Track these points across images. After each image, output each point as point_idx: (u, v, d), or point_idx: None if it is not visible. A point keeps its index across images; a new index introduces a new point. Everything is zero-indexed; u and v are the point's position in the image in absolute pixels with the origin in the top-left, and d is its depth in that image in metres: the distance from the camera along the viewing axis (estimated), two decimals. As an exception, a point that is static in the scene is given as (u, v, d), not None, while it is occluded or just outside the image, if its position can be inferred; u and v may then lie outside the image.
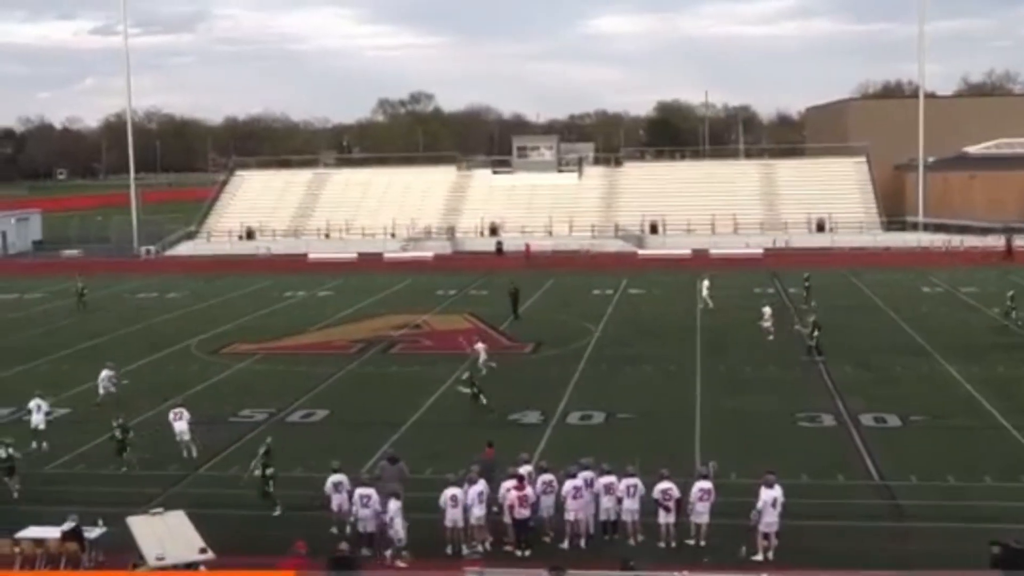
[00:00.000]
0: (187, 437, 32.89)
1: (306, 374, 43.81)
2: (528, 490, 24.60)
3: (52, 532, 24.30)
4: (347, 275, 78.85)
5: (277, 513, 26.77)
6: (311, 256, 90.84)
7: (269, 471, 27.28)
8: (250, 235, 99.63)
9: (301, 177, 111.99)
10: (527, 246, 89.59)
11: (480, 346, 42.07)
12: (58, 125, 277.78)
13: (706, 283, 59.58)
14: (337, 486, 25.30)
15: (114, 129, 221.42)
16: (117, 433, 30.98)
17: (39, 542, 24.10)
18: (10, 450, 29.71)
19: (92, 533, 24.33)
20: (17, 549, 24.02)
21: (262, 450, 27.96)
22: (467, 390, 37.78)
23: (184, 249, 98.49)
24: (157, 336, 53.55)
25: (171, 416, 33.44)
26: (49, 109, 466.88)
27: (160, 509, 24.15)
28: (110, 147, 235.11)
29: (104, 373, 39.69)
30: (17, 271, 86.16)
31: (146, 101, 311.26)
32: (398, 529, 23.74)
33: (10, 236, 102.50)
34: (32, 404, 34.68)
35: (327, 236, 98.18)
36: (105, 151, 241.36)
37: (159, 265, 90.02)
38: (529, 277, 70.77)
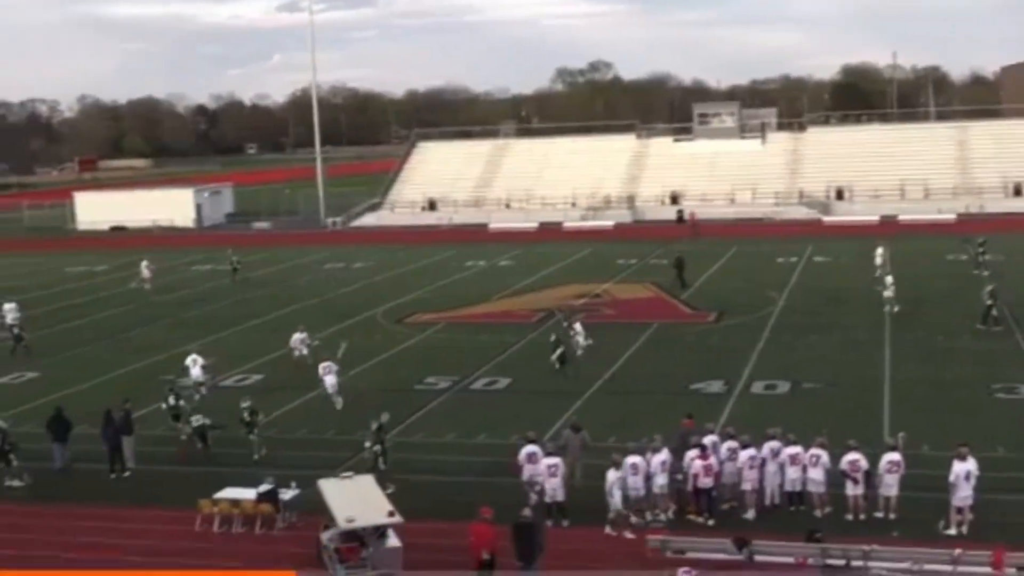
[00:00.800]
0: (335, 390, 34.64)
1: (489, 343, 44.33)
2: (712, 460, 24.47)
3: (248, 493, 25.31)
4: (528, 245, 79.36)
5: (390, 491, 26.84)
6: (492, 226, 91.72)
7: (383, 445, 27.72)
8: (432, 206, 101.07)
9: (482, 148, 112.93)
10: (692, 215, 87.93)
11: (578, 326, 41.99)
12: (247, 101, 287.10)
13: (880, 251, 57.80)
14: (531, 456, 25.46)
15: (300, 104, 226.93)
16: (245, 415, 30.50)
17: (235, 503, 25.14)
18: (180, 401, 31.35)
19: (286, 495, 25.23)
20: (216, 509, 25.11)
21: (375, 426, 28.18)
22: (553, 356, 38.39)
23: (368, 220, 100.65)
24: (344, 306, 54.93)
25: (321, 370, 35.18)
26: (239, 86, 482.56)
27: (350, 473, 24.82)
28: (297, 122, 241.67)
29: (296, 336, 41.19)
30: (211, 243, 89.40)
31: (331, 76, 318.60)
32: (616, 498, 23.85)
33: (205, 209, 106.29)
34: (188, 360, 37.15)
35: (508, 206, 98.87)
36: (292, 126, 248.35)
37: (345, 236, 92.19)
38: (696, 247, 70.14)
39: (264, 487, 25.16)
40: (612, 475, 23.94)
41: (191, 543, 24.24)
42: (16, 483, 28.63)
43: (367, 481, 23.80)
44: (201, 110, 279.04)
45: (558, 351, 38.38)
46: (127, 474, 29.25)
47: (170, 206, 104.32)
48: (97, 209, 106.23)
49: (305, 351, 40.84)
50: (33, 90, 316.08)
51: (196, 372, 36.74)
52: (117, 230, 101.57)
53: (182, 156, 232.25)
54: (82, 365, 43.19)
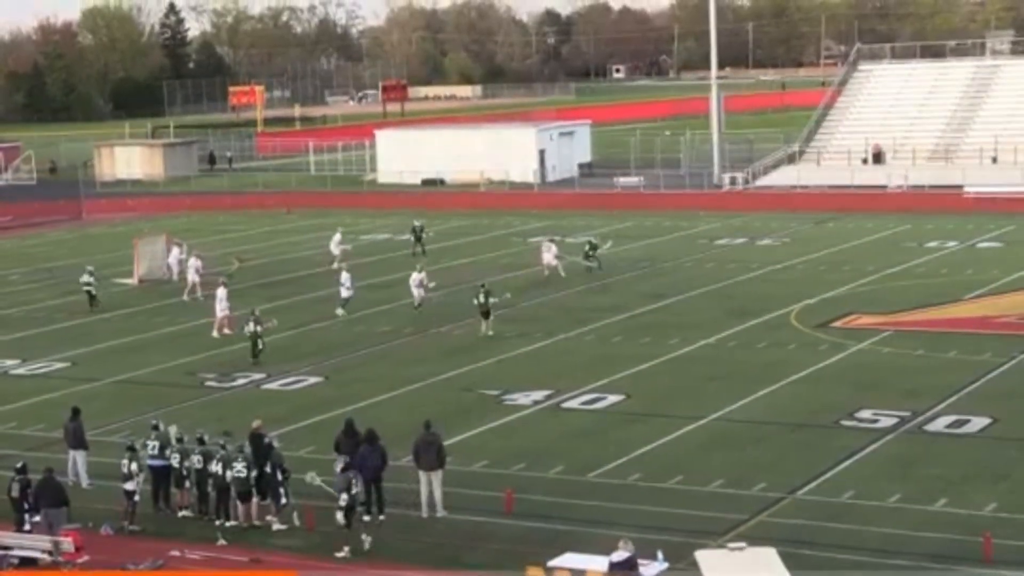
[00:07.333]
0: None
1: (958, 363, 43.37)
2: None
3: (596, 563, 25.55)
4: (1023, 218, 77.01)
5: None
6: (968, 189, 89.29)
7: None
8: (878, 158, 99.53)
9: (957, 72, 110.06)
10: None
11: None
12: (616, 5, 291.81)
13: None
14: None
15: (690, 9, 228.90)
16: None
17: (579, 574, 25.44)
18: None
19: (649, 569, 25.36)
20: (548, 580, 25.57)
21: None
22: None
23: (782, 178, 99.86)
24: (742, 299, 55.00)
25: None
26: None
27: (742, 544, 24.78)
28: (684, 34, 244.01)
29: None
30: (556, 205, 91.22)
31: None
32: None
33: (550, 157, 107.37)
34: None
35: (994, 160, 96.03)
36: (677, 39, 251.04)
37: (747, 200, 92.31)
38: None
39: (618, 555, 25.26)
40: None
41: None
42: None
43: (767, 556, 23.65)
44: (550, 18, 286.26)
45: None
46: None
47: (504, 151, 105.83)
48: (401, 153, 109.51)
49: None
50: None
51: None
52: (429, 184, 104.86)
53: (521, 82, 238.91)
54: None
